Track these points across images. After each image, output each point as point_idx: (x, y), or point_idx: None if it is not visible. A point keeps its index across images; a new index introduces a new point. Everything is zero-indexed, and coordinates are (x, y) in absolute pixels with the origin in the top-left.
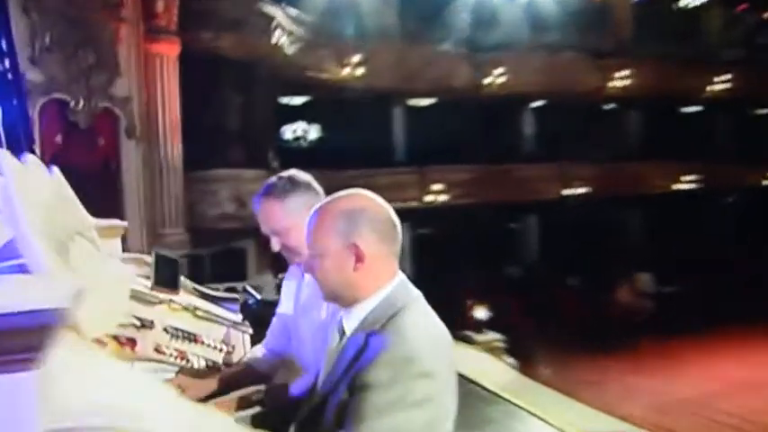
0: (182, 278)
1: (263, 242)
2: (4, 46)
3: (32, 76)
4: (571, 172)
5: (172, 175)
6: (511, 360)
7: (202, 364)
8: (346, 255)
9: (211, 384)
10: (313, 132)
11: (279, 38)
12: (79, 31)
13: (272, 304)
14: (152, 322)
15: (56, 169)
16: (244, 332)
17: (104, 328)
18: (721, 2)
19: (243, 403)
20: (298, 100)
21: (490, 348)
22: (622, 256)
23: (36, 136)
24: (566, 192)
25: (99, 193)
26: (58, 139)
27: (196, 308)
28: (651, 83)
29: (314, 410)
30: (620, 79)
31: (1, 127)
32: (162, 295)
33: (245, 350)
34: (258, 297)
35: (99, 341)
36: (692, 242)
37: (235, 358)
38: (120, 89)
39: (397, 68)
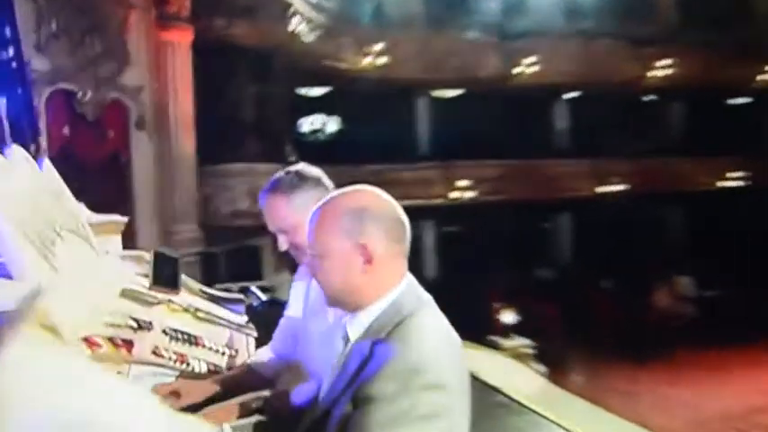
0: (184, 278)
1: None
2: (7, 33)
3: (38, 64)
4: (607, 168)
5: (184, 170)
6: (539, 367)
7: (204, 368)
8: (353, 256)
9: (210, 388)
10: (332, 125)
11: (296, 25)
12: (87, 17)
13: (281, 306)
14: (150, 323)
15: (47, 162)
16: (248, 335)
17: (91, 328)
18: None
19: (243, 410)
20: (316, 91)
21: (518, 355)
22: (661, 257)
23: (42, 128)
24: (601, 189)
25: (107, 187)
26: (65, 130)
27: (197, 309)
28: (695, 72)
29: (316, 423)
30: (662, 68)
31: (5, 118)
32: (161, 295)
33: (249, 354)
34: (263, 298)
35: (94, 342)
36: (737, 244)
37: (238, 363)
38: (130, 79)
39: (420, 57)
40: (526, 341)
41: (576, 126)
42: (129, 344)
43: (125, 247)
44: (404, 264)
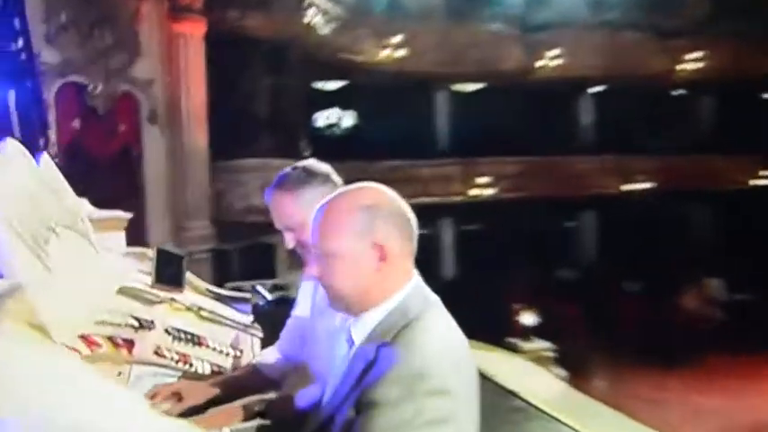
0: (189, 276)
1: None
2: (16, 24)
3: (47, 56)
4: (633, 165)
5: (196, 164)
6: (560, 371)
7: (207, 369)
8: (366, 255)
9: (213, 390)
10: (348, 120)
11: (312, 17)
12: (97, 7)
13: (291, 305)
14: (152, 323)
15: (45, 157)
16: (253, 335)
17: (87, 327)
18: None
19: (245, 413)
20: (332, 84)
21: (537, 358)
22: (690, 258)
23: (51, 121)
24: (626, 187)
25: (118, 182)
26: (75, 124)
27: (201, 308)
28: (727, 65)
29: (319, 427)
30: (692, 61)
31: (14, 111)
32: (163, 294)
33: (254, 355)
34: (269, 297)
35: (92, 342)
36: None
37: (243, 363)
38: (141, 71)
39: (440, 50)
40: (547, 344)
41: (600, 121)
42: (129, 343)
43: (136, 243)
44: (412, 264)
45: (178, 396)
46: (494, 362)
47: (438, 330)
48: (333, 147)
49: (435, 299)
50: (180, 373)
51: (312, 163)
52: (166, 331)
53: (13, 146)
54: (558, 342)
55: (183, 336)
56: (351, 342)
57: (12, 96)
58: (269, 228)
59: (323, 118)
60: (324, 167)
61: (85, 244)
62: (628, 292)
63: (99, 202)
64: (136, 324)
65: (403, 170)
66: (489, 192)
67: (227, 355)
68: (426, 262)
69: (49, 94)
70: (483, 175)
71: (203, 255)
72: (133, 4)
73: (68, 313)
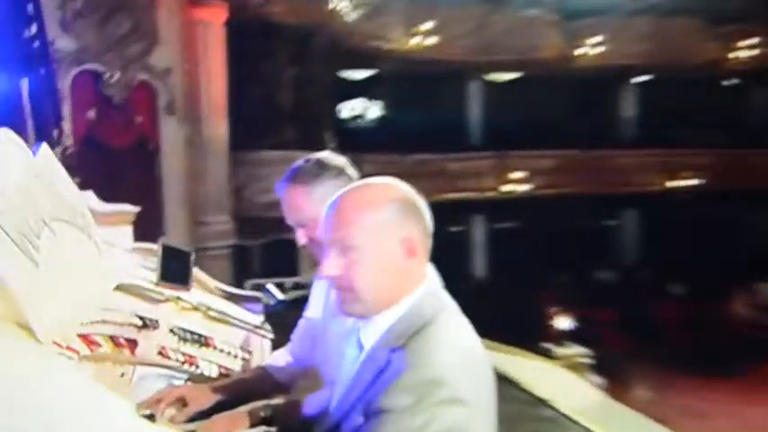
0: (200, 274)
1: None
2: (30, 9)
3: (62, 43)
4: (680, 160)
5: (216, 157)
6: (597, 379)
7: (214, 371)
8: (393, 251)
9: (218, 394)
10: (374, 110)
11: (338, 2)
12: None
13: (301, 305)
14: (156, 322)
15: (44, 147)
16: (263, 336)
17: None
18: None
19: (251, 419)
20: (359, 74)
21: (572, 365)
22: (740, 261)
23: (66, 111)
24: (672, 184)
25: (134, 175)
26: (91, 114)
27: (209, 308)
28: None
29: None
30: (746, 49)
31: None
32: (168, 292)
33: (264, 357)
34: (279, 297)
35: (92, 341)
36: None
37: (253, 366)
38: (160, 59)
39: (474, 37)
40: (582, 350)
41: (645, 113)
42: (132, 343)
43: (153, 239)
44: (427, 262)
45: (183, 401)
46: (524, 368)
47: (452, 336)
48: (359, 139)
49: (450, 302)
50: (186, 375)
51: (326, 155)
52: (171, 331)
53: (5, 135)
54: (595, 348)
55: (189, 336)
56: (360, 346)
57: (25, 85)
58: None
59: (349, 108)
60: (338, 160)
61: (84, 239)
62: (672, 295)
63: (114, 196)
64: (139, 323)
65: (433, 164)
66: (524, 188)
67: (236, 356)
68: (456, 261)
69: (64, 83)
70: (517, 169)
71: (223, 251)
72: None
73: (57, 312)
